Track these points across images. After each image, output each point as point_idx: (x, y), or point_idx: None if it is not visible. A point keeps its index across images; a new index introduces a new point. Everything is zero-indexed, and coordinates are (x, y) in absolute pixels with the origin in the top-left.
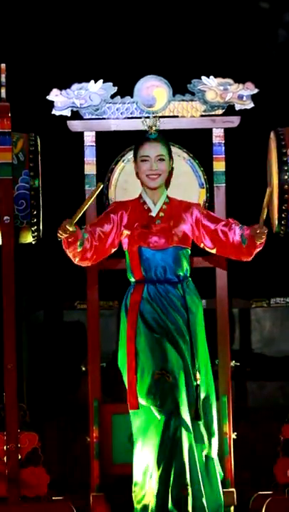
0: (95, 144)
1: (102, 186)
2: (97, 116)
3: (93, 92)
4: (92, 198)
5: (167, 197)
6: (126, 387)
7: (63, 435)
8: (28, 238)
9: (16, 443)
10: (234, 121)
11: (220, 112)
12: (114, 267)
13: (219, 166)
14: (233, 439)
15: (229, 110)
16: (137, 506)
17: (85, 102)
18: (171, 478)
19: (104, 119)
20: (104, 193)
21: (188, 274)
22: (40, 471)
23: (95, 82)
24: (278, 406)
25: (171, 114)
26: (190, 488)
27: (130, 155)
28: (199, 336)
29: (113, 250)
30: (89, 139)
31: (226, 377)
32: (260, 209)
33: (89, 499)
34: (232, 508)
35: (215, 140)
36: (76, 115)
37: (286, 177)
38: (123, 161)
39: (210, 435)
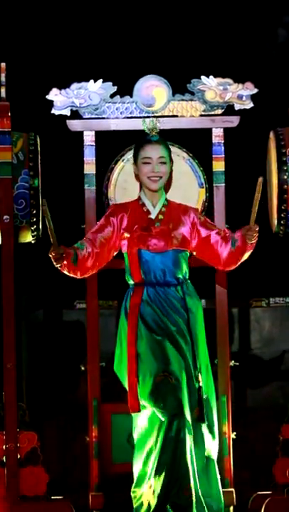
0: (94, 144)
1: (45, 205)
2: (96, 116)
3: (93, 91)
4: (49, 218)
5: (166, 199)
6: (126, 389)
7: (62, 435)
8: (28, 237)
9: (15, 442)
10: (234, 121)
11: (219, 111)
12: (114, 266)
13: (219, 165)
14: (233, 439)
15: (229, 110)
16: (137, 506)
17: (85, 102)
18: (174, 479)
19: (103, 118)
20: (104, 193)
21: (187, 277)
22: (40, 471)
23: (95, 82)
24: (278, 406)
25: (171, 114)
26: (192, 489)
27: (130, 154)
28: (200, 336)
29: (114, 253)
30: (88, 138)
31: (226, 377)
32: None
33: (88, 499)
34: (231, 508)
35: (214, 140)
36: (76, 115)
37: (285, 177)
38: (123, 161)
39: (211, 437)
